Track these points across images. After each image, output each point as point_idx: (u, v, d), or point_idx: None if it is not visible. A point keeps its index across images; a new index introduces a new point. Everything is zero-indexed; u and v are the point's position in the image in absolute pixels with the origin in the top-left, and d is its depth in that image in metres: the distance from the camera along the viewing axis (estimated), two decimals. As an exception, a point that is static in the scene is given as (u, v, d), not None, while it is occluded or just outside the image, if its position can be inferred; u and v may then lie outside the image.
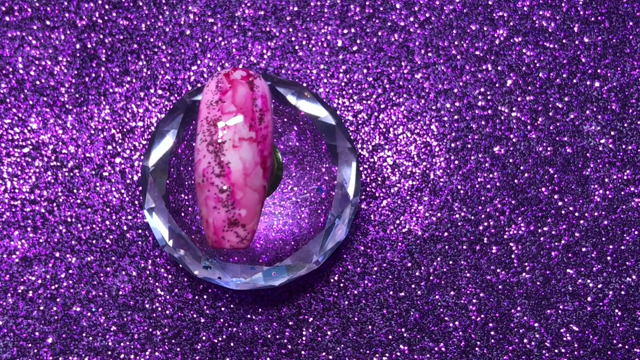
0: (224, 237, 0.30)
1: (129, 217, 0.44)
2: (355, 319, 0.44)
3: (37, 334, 0.44)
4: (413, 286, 0.44)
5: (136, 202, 0.44)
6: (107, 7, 0.45)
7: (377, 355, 0.43)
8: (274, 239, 0.41)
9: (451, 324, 0.44)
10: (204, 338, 0.44)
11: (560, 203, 0.44)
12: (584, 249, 0.44)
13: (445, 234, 0.44)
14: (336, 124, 0.41)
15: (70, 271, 0.44)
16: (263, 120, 0.30)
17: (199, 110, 0.31)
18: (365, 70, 0.45)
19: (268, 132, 0.31)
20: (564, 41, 0.45)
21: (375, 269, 0.44)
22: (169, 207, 0.41)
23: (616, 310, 0.44)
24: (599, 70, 0.44)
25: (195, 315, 0.44)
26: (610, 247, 0.44)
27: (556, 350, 0.44)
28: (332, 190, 0.41)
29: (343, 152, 0.41)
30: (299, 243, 0.41)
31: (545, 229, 0.44)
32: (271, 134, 0.31)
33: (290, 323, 0.44)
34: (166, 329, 0.44)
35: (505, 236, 0.44)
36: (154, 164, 0.41)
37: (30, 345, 0.43)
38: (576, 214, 0.44)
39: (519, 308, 0.44)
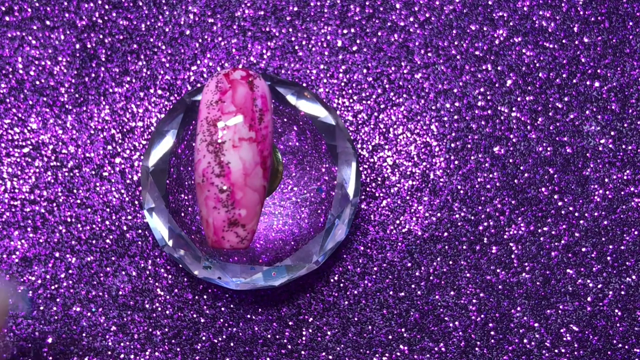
0: (223, 237, 0.30)
1: (129, 217, 0.44)
2: (355, 319, 0.44)
3: (37, 334, 0.44)
4: (413, 286, 0.44)
5: (136, 202, 0.44)
6: (107, 7, 0.45)
7: (377, 355, 0.43)
8: (274, 239, 0.41)
9: (451, 324, 0.44)
10: (204, 338, 0.44)
11: (560, 203, 0.44)
12: (584, 249, 0.44)
13: (445, 234, 0.44)
14: (336, 124, 0.41)
15: (70, 271, 0.44)
16: (263, 120, 0.30)
17: (199, 110, 0.31)
18: (365, 70, 0.45)
19: (268, 132, 0.30)
20: (563, 41, 0.45)
21: (375, 269, 0.44)
22: (169, 207, 0.41)
23: (616, 310, 0.44)
24: (599, 70, 0.44)
25: (195, 315, 0.44)
26: (610, 247, 0.44)
27: (556, 350, 0.44)
28: (332, 190, 0.41)
29: (343, 152, 0.41)
30: (299, 243, 0.41)
31: (545, 229, 0.44)
32: (271, 134, 0.31)
33: (290, 323, 0.44)
34: (166, 329, 0.44)
35: (505, 236, 0.44)
36: (154, 164, 0.41)
37: (30, 345, 0.43)
38: (576, 214, 0.44)
39: (519, 308, 0.44)
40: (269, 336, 0.44)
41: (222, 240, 0.30)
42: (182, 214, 0.41)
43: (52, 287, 0.44)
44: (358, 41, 0.45)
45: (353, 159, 0.41)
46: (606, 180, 0.44)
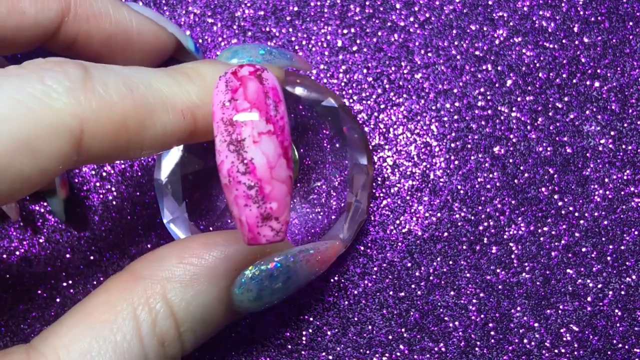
0: (259, 232, 0.30)
1: (129, 217, 0.44)
2: (355, 319, 0.44)
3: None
4: (413, 286, 0.44)
5: (136, 202, 0.44)
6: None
7: (377, 355, 0.43)
8: (303, 230, 0.41)
9: (451, 324, 0.44)
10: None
11: (560, 203, 0.44)
12: (584, 249, 0.44)
13: (445, 234, 0.44)
14: (338, 105, 0.41)
15: (71, 271, 0.44)
16: (278, 112, 0.30)
17: (212, 112, 0.31)
18: (365, 70, 0.45)
19: (284, 122, 0.31)
20: (563, 41, 0.45)
21: (375, 269, 0.44)
22: (189, 214, 0.41)
23: (616, 310, 0.44)
24: (598, 70, 0.45)
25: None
26: (610, 247, 0.44)
27: (556, 350, 0.44)
28: (345, 172, 0.41)
29: (350, 132, 0.41)
30: (324, 230, 0.41)
31: (545, 229, 0.44)
32: (287, 124, 0.31)
33: (291, 323, 0.44)
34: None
35: (505, 236, 0.44)
36: (167, 176, 0.41)
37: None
38: (576, 214, 0.44)
39: (519, 308, 0.44)
40: (269, 336, 0.44)
41: (258, 236, 0.30)
42: (201, 219, 0.41)
43: (52, 287, 0.43)
44: (358, 41, 0.45)
45: (361, 136, 0.41)
46: (606, 180, 0.44)
